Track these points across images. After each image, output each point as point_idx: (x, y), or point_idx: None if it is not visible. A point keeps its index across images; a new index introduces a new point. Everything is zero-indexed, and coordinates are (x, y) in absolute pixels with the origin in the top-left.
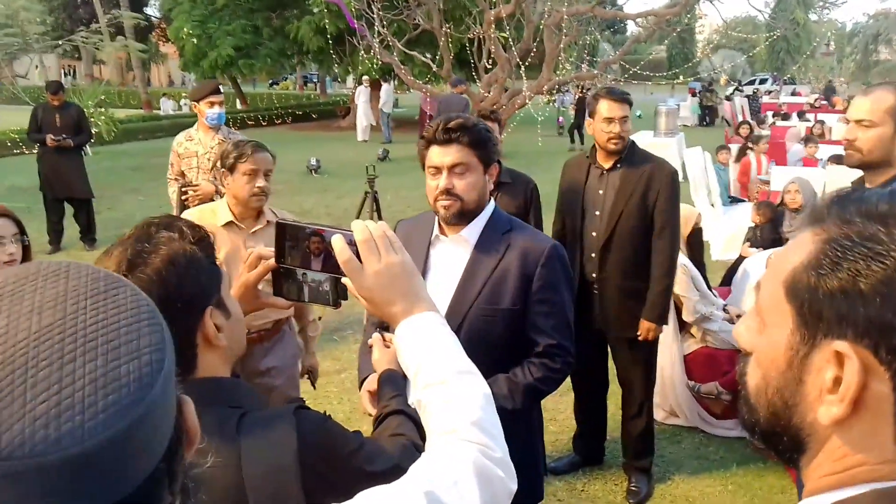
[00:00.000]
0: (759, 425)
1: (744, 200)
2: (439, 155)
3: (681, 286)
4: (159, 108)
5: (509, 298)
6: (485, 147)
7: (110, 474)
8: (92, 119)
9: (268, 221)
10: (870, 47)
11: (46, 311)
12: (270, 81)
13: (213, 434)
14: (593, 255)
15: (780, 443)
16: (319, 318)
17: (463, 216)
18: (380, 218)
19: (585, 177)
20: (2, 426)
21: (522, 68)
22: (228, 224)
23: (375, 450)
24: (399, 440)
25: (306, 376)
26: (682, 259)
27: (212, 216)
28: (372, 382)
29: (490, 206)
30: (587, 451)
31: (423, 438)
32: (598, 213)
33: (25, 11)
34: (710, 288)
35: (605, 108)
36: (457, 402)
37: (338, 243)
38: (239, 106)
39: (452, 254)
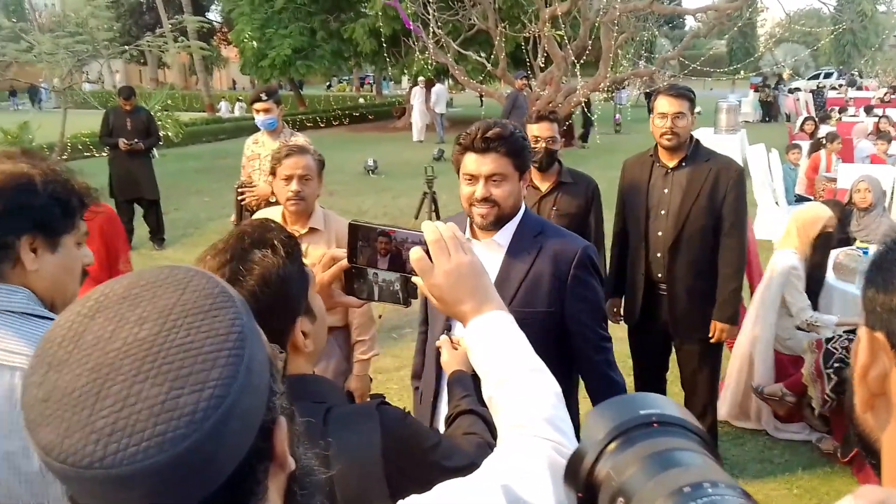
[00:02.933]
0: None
1: (809, 198)
2: (476, 163)
3: (789, 289)
4: (219, 111)
5: (545, 301)
6: (521, 155)
7: (151, 495)
8: (159, 122)
9: (310, 228)
10: None
11: (149, 322)
12: (327, 84)
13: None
14: (659, 255)
15: (859, 445)
16: (380, 317)
17: (498, 222)
18: (438, 217)
19: (649, 176)
20: (68, 430)
21: (578, 66)
22: None
23: (452, 446)
24: (473, 438)
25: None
26: (795, 262)
27: (272, 216)
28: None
29: (521, 210)
30: None
31: (495, 437)
32: (663, 212)
33: (94, 19)
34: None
35: (659, 103)
36: (529, 400)
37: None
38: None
39: (485, 258)
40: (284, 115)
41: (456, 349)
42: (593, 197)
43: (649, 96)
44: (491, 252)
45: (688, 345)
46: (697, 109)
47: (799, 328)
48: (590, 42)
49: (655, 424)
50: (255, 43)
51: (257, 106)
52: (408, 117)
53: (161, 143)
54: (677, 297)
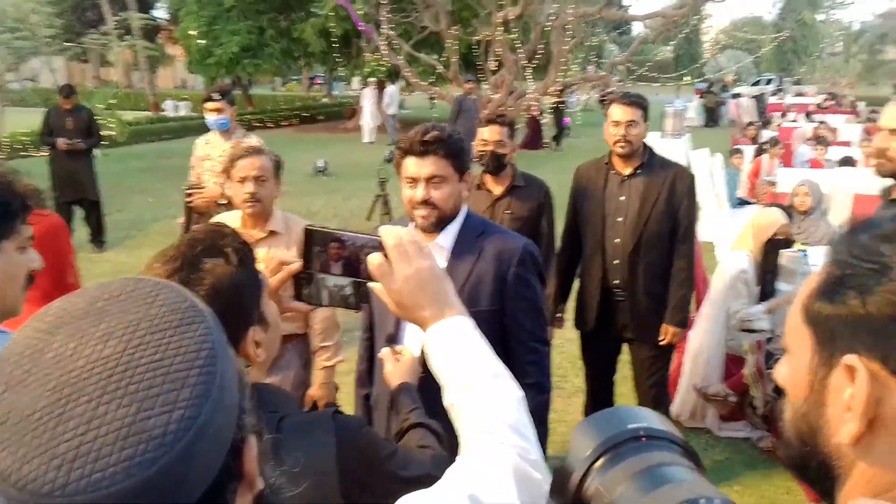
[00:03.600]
0: (792, 457)
1: (751, 202)
2: (416, 166)
3: (732, 293)
4: (165, 110)
5: (487, 300)
6: (460, 157)
7: None
8: (102, 121)
9: (271, 231)
10: (876, 47)
11: (114, 339)
12: (272, 87)
13: None
14: (617, 262)
15: (812, 471)
16: None
17: (440, 224)
18: (390, 218)
19: (604, 183)
20: (26, 455)
21: (529, 70)
22: None
23: (408, 457)
24: (427, 451)
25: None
26: (745, 264)
27: (230, 222)
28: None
29: (463, 211)
30: None
31: (445, 449)
32: (620, 219)
33: (35, 15)
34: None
35: (612, 111)
36: (493, 406)
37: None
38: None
39: None
40: None
41: (398, 360)
42: (545, 200)
43: (604, 102)
44: (435, 254)
45: (644, 348)
46: None
47: (741, 329)
48: (541, 46)
49: (644, 439)
50: (201, 40)
51: (209, 105)
52: (358, 118)
53: (104, 142)
54: (637, 303)
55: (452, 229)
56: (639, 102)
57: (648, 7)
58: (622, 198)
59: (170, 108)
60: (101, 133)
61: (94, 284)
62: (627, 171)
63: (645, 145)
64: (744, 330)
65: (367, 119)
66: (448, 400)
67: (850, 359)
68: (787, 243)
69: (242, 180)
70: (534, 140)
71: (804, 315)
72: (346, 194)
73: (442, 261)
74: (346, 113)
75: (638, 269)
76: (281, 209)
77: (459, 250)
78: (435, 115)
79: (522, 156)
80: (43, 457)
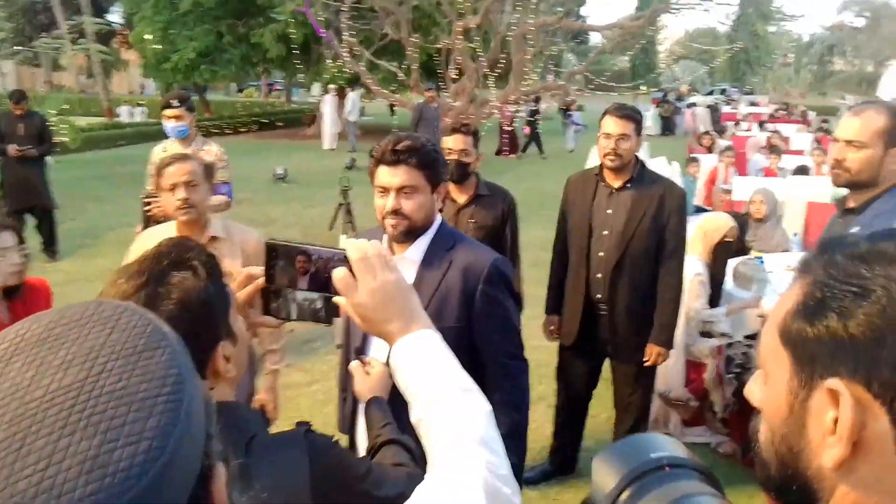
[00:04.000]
0: (771, 479)
1: (708, 209)
2: (387, 175)
3: (691, 295)
4: (119, 116)
5: (454, 316)
6: (433, 168)
7: None
8: (54, 128)
9: (212, 237)
10: (825, 58)
11: (74, 367)
12: (225, 93)
13: None
14: (600, 275)
15: (792, 494)
16: (291, 331)
17: (410, 234)
18: (353, 228)
19: (593, 195)
20: None
21: (490, 78)
22: None
23: (382, 475)
24: (402, 469)
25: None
26: (700, 268)
27: (163, 235)
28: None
29: (436, 223)
30: (561, 461)
31: (419, 466)
32: (606, 232)
33: None
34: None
35: (605, 123)
36: (461, 420)
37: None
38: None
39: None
40: None
41: (368, 374)
42: (509, 209)
43: (564, 111)
44: (404, 267)
45: (625, 365)
46: None
47: (702, 334)
48: (502, 55)
49: (667, 468)
50: (156, 45)
51: (167, 113)
52: (318, 125)
53: (57, 149)
54: (618, 318)
55: (422, 242)
56: (632, 116)
57: (606, 18)
58: (609, 211)
59: (125, 114)
60: (54, 140)
61: (51, 309)
62: (617, 184)
63: (637, 159)
64: (703, 333)
65: (328, 126)
66: (416, 415)
67: (834, 383)
68: (739, 249)
69: (172, 188)
70: (509, 149)
71: (782, 336)
72: (306, 202)
73: (411, 274)
74: (305, 119)
75: (620, 284)
76: (238, 216)
77: (428, 264)
78: (395, 123)
79: (483, 163)
80: (2, 495)
